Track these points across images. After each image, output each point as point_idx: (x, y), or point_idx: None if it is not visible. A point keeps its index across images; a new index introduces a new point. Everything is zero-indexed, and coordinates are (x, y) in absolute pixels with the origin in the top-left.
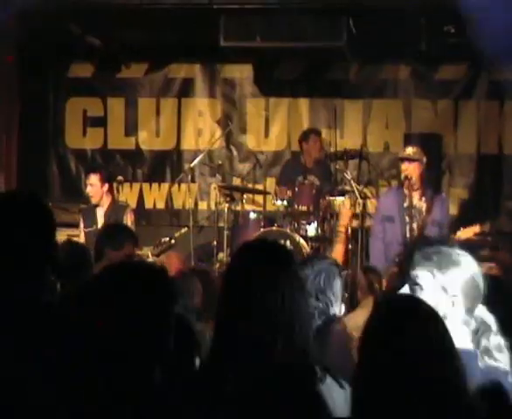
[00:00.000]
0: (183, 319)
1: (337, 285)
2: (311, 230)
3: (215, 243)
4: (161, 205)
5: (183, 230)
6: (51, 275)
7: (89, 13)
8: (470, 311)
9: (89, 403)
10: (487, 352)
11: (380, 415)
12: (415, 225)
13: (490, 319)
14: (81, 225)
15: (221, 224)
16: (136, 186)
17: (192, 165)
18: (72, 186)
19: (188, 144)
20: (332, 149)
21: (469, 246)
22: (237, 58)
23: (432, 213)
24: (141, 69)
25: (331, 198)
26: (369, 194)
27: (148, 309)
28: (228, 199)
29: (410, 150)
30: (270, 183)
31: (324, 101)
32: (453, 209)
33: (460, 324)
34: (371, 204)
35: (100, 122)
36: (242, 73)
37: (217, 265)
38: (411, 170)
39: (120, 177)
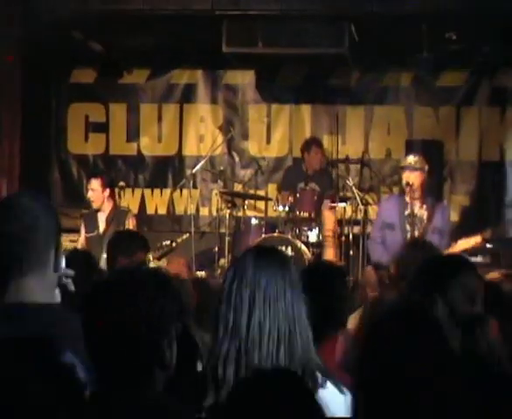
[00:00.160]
0: (183, 324)
1: (343, 291)
2: (312, 236)
3: (216, 249)
4: (162, 211)
5: (185, 236)
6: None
7: (91, 19)
8: None
9: (89, 405)
10: None
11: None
12: (416, 233)
13: None
14: (82, 230)
15: (222, 230)
16: (138, 191)
17: (194, 171)
18: (74, 191)
19: (190, 150)
20: (334, 156)
21: (470, 253)
22: (239, 64)
23: (433, 221)
24: (143, 75)
25: (333, 204)
26: (370, 200)
27: (151, 313)
28: (230, 205)
29: (411, 159)
30: (272, 189)
31: (326, 108)
32: (455, 216)
33: None
34: (373, 211)
35: (102, 128)
36: (244, 79)
37: (219, 271)
38: (413, 179)
39: (121, 183)
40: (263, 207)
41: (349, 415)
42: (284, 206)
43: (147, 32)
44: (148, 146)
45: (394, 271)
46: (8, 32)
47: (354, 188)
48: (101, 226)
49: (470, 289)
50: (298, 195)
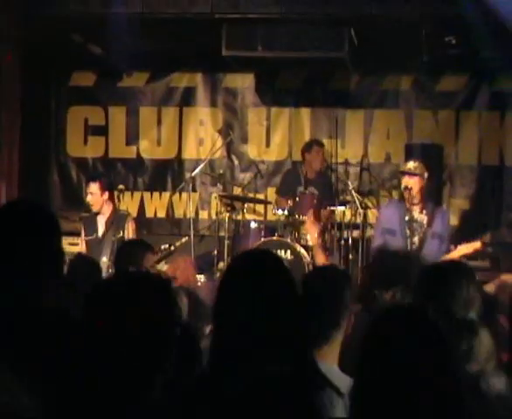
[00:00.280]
0: (187, 328)
1: (347, 295)
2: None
3: (216, 252)
4: (162, 214)
5: (184, 240)
6: (59, 283)
7: (91, 22)
8: None
9: (89, 408)
10: None
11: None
12: (416, 239)
13: None
14: (82, 234)
15: (222, 234)
16: (137, 195)
17: (193, 174)
18: (74, 194)
19: (189, 153)
20: (333, 159)
21: (469, 257)
22: (238, 68)
23: (433, 226)
24: (142, 78)
25: (332, 208)
26: (369, 204)
27: (151, 318)
28: (229, 208)
29: (411, 164)
30: (271, 193)
31: (325, 111)
32: (454, 220)
33: None
34: (372, 214)
35: (102, 131)
36: (243, 83)
37: (218, 275)
38: (412, 184)
39: (121, 186)
40: (262, 210)
41: (346, 416)
42: (283, 210)
43: (146, 35)
44: (147, 149)
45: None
46: (7, 35)
47: (353, 191)
48: (101, 230)
49: (464, 296)
50: (297, 198)
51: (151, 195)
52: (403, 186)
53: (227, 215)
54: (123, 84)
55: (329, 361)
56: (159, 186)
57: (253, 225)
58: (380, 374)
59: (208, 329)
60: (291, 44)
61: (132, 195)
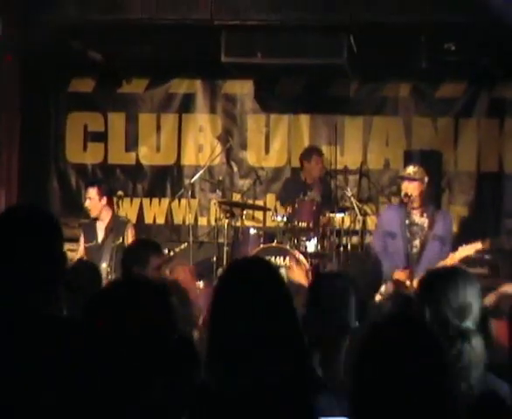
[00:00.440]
0: (182, 332)
1: (352, 301)
2: (311, 246)
3: (215, 258)
4: (161, 220)
5: (183, 246)
6: (60, 289)
7: (90, 28)
8: None
9: (89, 409)
10: None
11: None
12: (417, 242)
13: None
14: (82, 240)
15: (221, 240)
16: (136, 201)
17: (192, 180)
18: (73, 200)
19: (188, 159)
20: (332, 166)
21: (468, 264)
22: (238, 74)
23: (434, 228)
24: (141, 84)
25: (331, 215)
26: (369, 211)
27: (150, 319)
28: (228, 215)
29: (411, 169)
30: (270, 199)
31: (325, 118)
32: (453, 227)
33: None
34: (371, 221)
35: (101, 137)
36: (243, 89)
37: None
38: (411, 190)
39: (120, 192)
40: (261, 217)
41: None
42: (282, 216)
43: (146, 42)
44: (146, 155)
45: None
46: (7, 42)
47: (352, 198)
48: (100, 236)
49: (460, 303)
50: (296, 205)
51: (150, 201)
52: (402, 192)
53: (226, 221)
54: (122, 90)
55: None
56: (158, 192)
57: (252, 232)
58: (378, 378)
59: (196, 333)
60: (290, 50)
61: (131, 201)
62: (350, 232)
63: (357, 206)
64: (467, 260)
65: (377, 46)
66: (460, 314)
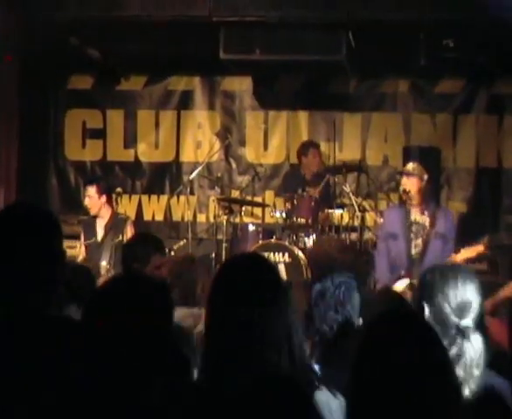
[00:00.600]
0: (180, 331)
1: (356, 298)
2: (310, 242)
3: (213, 255)
4: (159, 217)
5: (182, 243)
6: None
7: (89, 25)
8: None
9: (89, 409)
10: None
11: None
12: (419, 241)
13: None
14: (82, 238)
15: (220, 237)
16: (135, 198)
17: (191, 177)
18: (72, 198)
19: (187, 156)
20: (331, 162)
21: (467, 260)
22: (236, 71)
23: (436, 226)
24: (140, 81)
25: (330, 211)
26: (367, 207)
27: (151, 318)
28: (227, 211)
29: (410, 166)
30: (269, 196)
31: (323, 114)
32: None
33: None
34: (370, 217)
35: (100, 134)
36: (241, 86)
37: None
38: (410, 186)
39: (118, 189)
40: (260, 213)
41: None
42: (281, 212)
43: (144, 39)
44: (145, 152)
45: None
46: (6, 39)
47: (351, 194)
48: (100, 233)
49: (459, 301)
50: (295, 201)
51: (149, 198)
52: (401, 188)
53: (225, 218)
54: (121, 87)
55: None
56: (157, 189)
57: (251, 228)
58: (377, 375)
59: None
60: (289, 47)
61: (130, 198)
62: (349, 228)
63: (356, 202)
64: (470, 259)
65: (376, 43)
66: (460, 312)
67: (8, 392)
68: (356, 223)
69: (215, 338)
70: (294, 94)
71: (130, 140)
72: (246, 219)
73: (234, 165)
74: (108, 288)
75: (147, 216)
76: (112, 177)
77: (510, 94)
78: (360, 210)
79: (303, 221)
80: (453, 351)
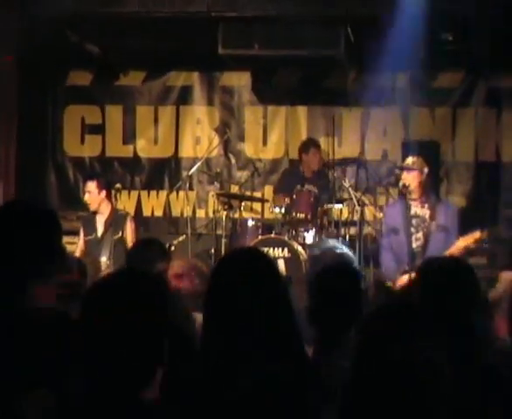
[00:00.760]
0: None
1: (361, 293)
2: (309, 237)
3: (213, 250)
4: (159, 213)
5: (181, 238)
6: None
7: (88, 21)
8: None
9: (88, 405)
10: None
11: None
12: (420, 234)
13: None
14: (81, 234)
15: (219, 232)
16: (134, 194)
17: (190, 173)
18: (71, 194)
19: (186, 152)
20: (330, 157)
21: (467, 253)
22: (235, 66)
23: (437, 219)
24: (139, 77)
25: (329, 206)
26: (367, 202)
27: (152, 315)
28: (226, 207)
29: (409, 160)
30: (268, 191)
31: (322, 109)
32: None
33: None
34: (369, 212)
35: (99, 130)
36: (240, 81)
37: None
38: (410, 180)
39: (118, 185)
40: (259, 208)
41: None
42: (280, 208)
43: (143, 34)
44: (144, 148)
45: None
46: (5, 35)
47: (350, 189)
48: (100, 229)
49: (460, 298)
50: (294, 196)
51: (148, 193)
52: (400, 183)
53: (224, 213)
54: (120, 83)
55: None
56: (156, 185)
57: (251, 223)
58: (373, 372)
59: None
60: (287, 42)
61: (129, 194)
62: (348, 223)
63: (355, 197)
64: (466, 250)
65: (375, 37)
66: (462, 308)
67: (6, 389)
68: (356, 217)
69: (213, 334)
70: (293, 89)
71: (129, 136)
72: (246, 214)
73: (233, 160)
74: (106, 283)
75: (146, 212)
76: (111, 173)
77: (509, 88)
78: (359, 205)
79: (302, 216)
80: (456, 348)
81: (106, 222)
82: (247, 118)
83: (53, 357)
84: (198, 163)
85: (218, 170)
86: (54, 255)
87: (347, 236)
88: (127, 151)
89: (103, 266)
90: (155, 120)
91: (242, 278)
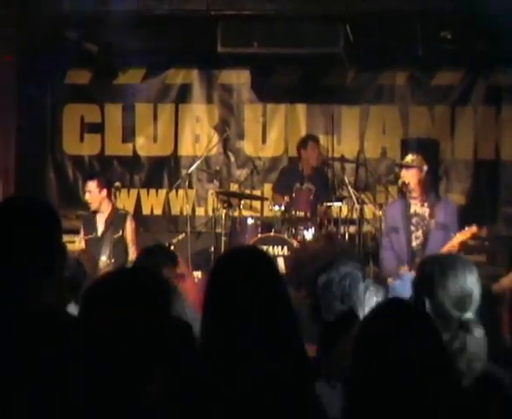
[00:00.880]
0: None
1: (361, 289)
2: (308, 235)
3: (212, 249)
4: (158, 211)
5: (181, 236)
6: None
7: (86, 19)
8: None
9: (88, 404)
10: None
11: (371, 413)
12: (420, 232)
13: None
14: (82, 232)
15: (218, 230)
16: (134, 192)
17: (190, 171)
18: (70, 192)
19: (185, 150)
20: (329, 155)
21: (466, 251)
22: (234, 64)
23: (436, 217)
24: (138, 75)
25: (329, 204)
26: (366, 200)
27: (145, 314)
28: (225, 205)
29: (409, 158)
30: (267, 189)
31: (321, 107)
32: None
33: None
34: (369, 210)
35: (98, 128)
36: (239, 79)
37: None
38: (409, 178)
39: (117, 183)
40: (259, 207)
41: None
42: (280, 206)
43: (142, 33)
44: (143, 146)
45: None
46: (3, 33)
47: (349, 187)
48: (100, 228)
49: (458, 294)
50: (294, 194)
51: (148, 192)
52: (400, 181)
53: (224, 211)
54: (119, 81)
55: None
56: (155, 183)
57: (250, 221)
58: (374, 370)
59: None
60: (287, 40)
61: (128, 192)
62: (348, 221)
63: (355, 195)
64: (464, 246)
65: (374, 35)
66: (461, 305)
67: (5, 387)
68: (355, 215)
69: (213, 332)
70: (292, 87)
71: (128, 134)
72: (245, 212)
73: (233, 158)
74: (106, 281)
75: (145, 211)
76: (110, 172)
77: (508, 86)
78: (359, 203)
79: (302, 214)
80: (456, 345)
81: (106, 221)
82: (246, 116)
83: (53, 355)
84: (198, 161)
85: (218, 168)
86: (54, 253)
87: (346, 235)
88: (126, 149)
89: (103, 265)
90: (155, 119)
91: (242, 276)
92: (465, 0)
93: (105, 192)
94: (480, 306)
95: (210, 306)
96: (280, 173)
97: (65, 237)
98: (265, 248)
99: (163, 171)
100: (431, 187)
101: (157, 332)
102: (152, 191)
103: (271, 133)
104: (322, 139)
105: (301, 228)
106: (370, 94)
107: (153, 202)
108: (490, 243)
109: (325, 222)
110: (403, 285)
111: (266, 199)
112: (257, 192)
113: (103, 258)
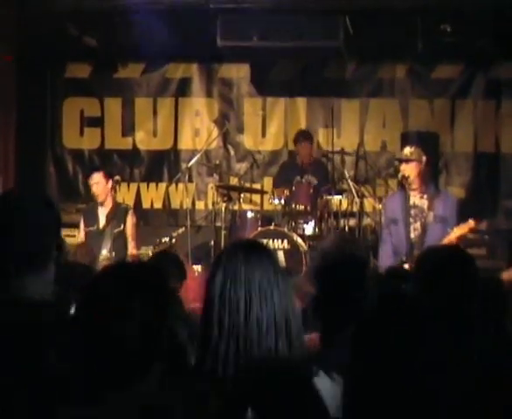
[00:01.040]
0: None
1: (366, 281)
2: (309, 228)
3: (212, 242)
4: (158, 205)
5: (181, 230)
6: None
7: (86, 13)
8: None
9: (88, 401)
10: None
11: (372, 409)
12: (418, 224)
13: None
14: (81, 225)
15: (218, 224)
16: (134, 186)
17: (189, 165)
18: (70, 186)
19: (185, 144)
20: (329, 148)
21: (466, 245)
22: (234, 58)
23: (435, 209)
24: (137, 69)
25: (329, 197)
26: (366, 193)
27: (145, 308)
28: (225, 199)
29: (407, 150)
30: (267, 183)
31: (321, 101)
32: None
33: None
34: (368, 203)
35: (97, 122)
36: (239, 73)
37: None
38: (409, 171)
39: (117, 177)
40: (259, 200)
41: (340, 402)
42: (280, 199)
43: (142, 27)
44: (143, 140)
45: None
46: (4, 28)
47: (349, 180)
48: (101, 221)
49: (458, 292)
50: (294, 188)
51: (147, 186)
52: (400, 175)
53: (224, 205)
54: (119, 75)
55: None
56: (155, 177)
57: (250, 215)
58: (373, 366)
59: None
60: (286, 33)
61: (128, 186)
62: (348, 214)
63: (355, 188)
64: (463, 240)
65: (374, 28)
66: (460, 301)
67: (4, 385)
68: (355, 208)
69: (212, 324)
70: (292, 81)
71: (128, 128)
72: (245, 206)
73: (232, 152)
74: (106, 274)
75: (145, 204)
76: (110, 165)
77: (508, 79)
78: (359, 196)
79: (302, 207)
80: (455, 342)
81: (108, 214)
82: (246, 109)
83: (50, 351)
84: (197, 155)
85: (218, 162)
86: (53, 247)
87: (346, 228)
88: (126, 143)
89: (103, 259)
90: (154, 113)
91: (240, 267)
92: None
93: (110, 184)
94: (483, 300)
95: (209, 296)
96: (279, 166)
97: (65, 231)
98: (265, 241)
99: (163, 165)
100: (430, 179)
101: (156, 327)
102: (152, 185)
103: (270, 126)
104: (322, 132)
105: (301, 221)
106: (370, 88)
107: (153, 196)
108: (490, 237)
109: (325, 215)
110: None
111: (266, 192)
112: (257, 186)
113: (104, 252)
